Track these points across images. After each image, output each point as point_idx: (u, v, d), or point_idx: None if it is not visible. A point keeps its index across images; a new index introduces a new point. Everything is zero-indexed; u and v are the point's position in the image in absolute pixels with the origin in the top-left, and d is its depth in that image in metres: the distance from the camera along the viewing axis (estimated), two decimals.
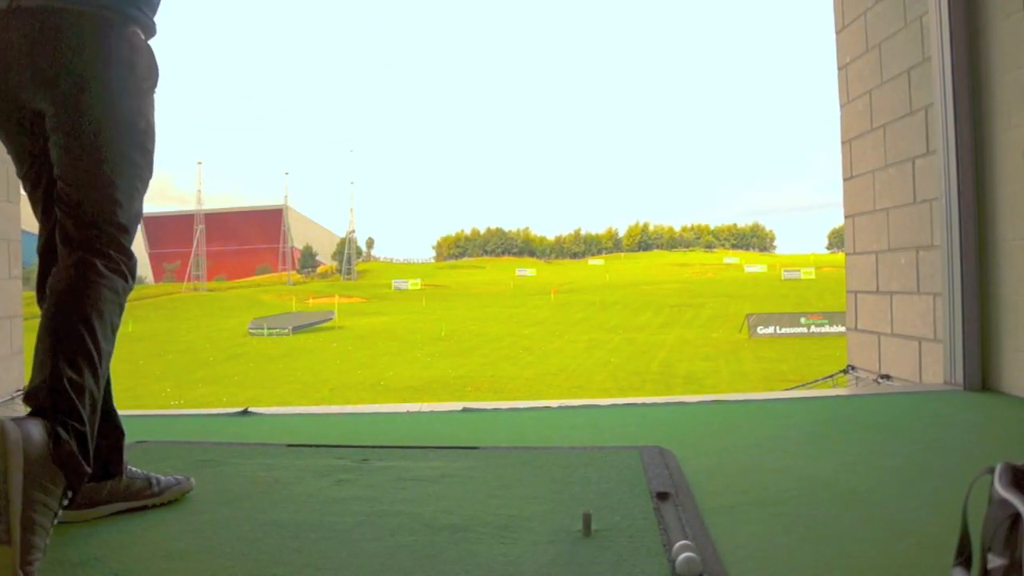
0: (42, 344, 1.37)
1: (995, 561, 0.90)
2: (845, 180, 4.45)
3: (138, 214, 1.59)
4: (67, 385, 1.33)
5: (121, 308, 1.52)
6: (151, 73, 1.59)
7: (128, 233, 1.55)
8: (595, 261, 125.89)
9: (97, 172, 1.49)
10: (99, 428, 1.54)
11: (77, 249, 1.47)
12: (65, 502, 1.27)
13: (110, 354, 1.47)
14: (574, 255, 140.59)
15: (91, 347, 1.39)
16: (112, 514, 1.64)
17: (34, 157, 1.56)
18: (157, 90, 1.62)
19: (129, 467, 1.71)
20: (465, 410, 3.10)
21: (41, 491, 1.20)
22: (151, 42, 1.62)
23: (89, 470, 1.33)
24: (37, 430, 1.24)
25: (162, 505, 1.72)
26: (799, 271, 66.82)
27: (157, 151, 1.63)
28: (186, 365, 28.52)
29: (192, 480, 1.82)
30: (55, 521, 1.24)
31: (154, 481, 1.73)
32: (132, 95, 1.54)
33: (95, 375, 1.39)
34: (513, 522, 1.57)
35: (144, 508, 1.69)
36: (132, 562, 1.38)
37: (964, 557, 1.01)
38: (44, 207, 1.58)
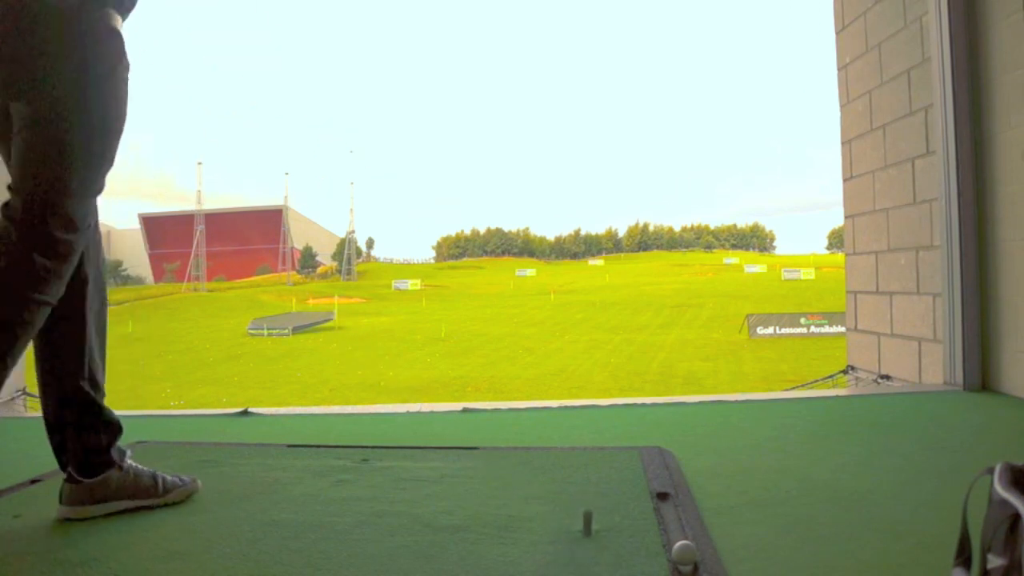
0: None
1: (995, 561, 0.90)
2: (845, 180, 4.45)
3: (94, 208, 1.58)
4: None
5: (57, 283, 1.50)
6: (120, 61, 1.58)
7: (77, 227, 1.52)
8: (595, 261, 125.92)
9: (52, 164, 1.48)
10: (91, 423, 1.59)
11: (17, 235, 1.45)
12: None
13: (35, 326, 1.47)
14: (574, 255, 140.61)
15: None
16: (114, 513, 1.64)
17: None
18: (134, 77, 1.63)
19: (135, 464, 1.71)
20: (465, 410, 3.10)
21: None
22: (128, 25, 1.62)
23: None
24: None
25: (165, 506, 1.72)
26: (799, 271, 66.73)
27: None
28: (186, 365, 28.52)
29: (198, 482, 1.82)
30: None
31: (159, 480, 1.73)
32: (98, 85, 1.53)
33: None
34: (513, 522, 1.57)
35: (148, 508, 1.69)
36: (132, 562, 1.38)
37: (964, 557, 1.01)
38: None
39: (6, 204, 1.48)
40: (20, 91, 1.47)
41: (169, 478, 1.75)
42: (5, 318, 1.41)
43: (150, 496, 1.70)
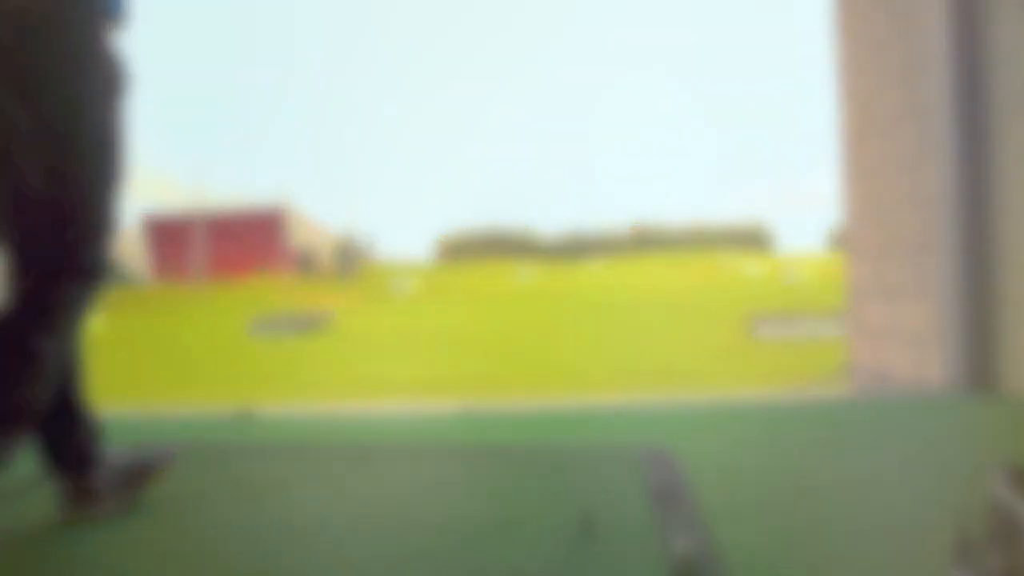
0: None
1: (995, 561, 0.90)
2: (845, 180, 4.45)
3: (113, 220, 1.57)
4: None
5: (86, 307, 1.52)
6: (119, 78, 1.58)
7: (101, 241, 1.53)
8: (595, 261, 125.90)
9: (70, 184, 1.47)
10: (74, 427, 1.58)
11: (49, 261, 1.45)
12: None
13: (70, 353, 1.49)
14: (574, 256, 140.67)
15: (50, 354, 1.42)
16: (113, 512, 1.64)
17: None
18: (137, 93, 1.62)
19: (112, 456, 1.71)
20: (465, 411, 3.10)
21: None
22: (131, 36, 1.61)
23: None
24: None
25: (158, 485, 1.74)
26: (799, 271, 66.62)
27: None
28: (186, 365, 28.48)
29: (172, 451, 1.83)
30: None
31: (140, 461, 1.74)
32: (98, 104, 1.52)
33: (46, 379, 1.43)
34: (513, 522, 1.57)
35: (141, 493, 1.70)
36: (132, 562, 1.38)
37: (964, 557, 1.01)
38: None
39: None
40: (18, 92, 1.46)
41: (145, 455, 1.76)
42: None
43: (138, 477, 1.70)
